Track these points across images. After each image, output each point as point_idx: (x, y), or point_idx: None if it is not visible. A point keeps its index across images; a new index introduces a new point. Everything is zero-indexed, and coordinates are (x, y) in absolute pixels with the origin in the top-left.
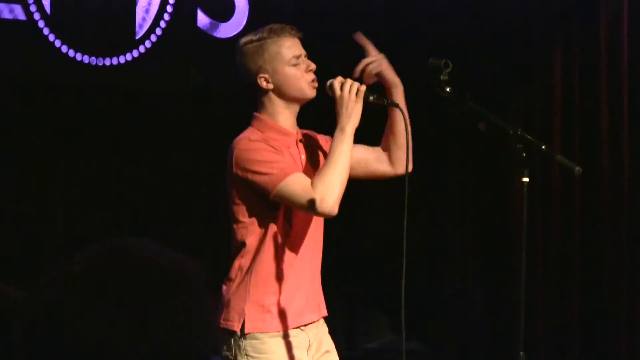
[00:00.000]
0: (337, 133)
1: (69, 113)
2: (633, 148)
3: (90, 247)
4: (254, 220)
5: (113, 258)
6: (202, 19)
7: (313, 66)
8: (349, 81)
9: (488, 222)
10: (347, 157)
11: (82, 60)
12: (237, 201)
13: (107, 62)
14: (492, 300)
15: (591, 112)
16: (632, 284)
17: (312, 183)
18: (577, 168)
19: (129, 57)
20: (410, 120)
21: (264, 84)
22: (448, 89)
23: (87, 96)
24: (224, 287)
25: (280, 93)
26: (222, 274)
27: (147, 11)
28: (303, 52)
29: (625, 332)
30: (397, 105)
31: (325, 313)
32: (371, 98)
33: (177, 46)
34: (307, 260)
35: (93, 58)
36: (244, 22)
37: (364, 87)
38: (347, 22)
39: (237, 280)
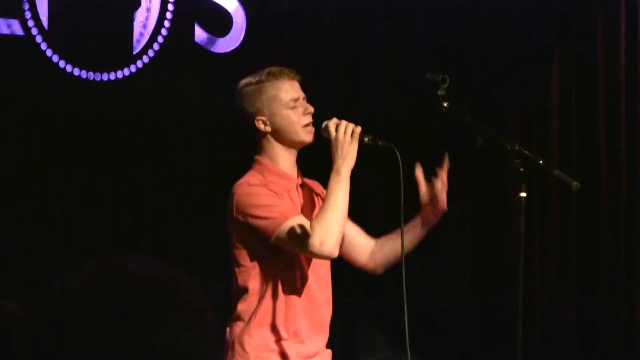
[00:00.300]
0: (332, 175)
1: (66, 128)
2: (630, 160)
3: (88, 264)
4: (255, 264)
5: (112, 275)
6: (200, 34)
7: (311, 109)
8: (343, 122)
9: (486, 237)
10: (344, 199)
11: (79, 75)
12: (239, 245)
13: (105, 77)
14: (490, 314)
15: (588, 123)
16: (629, 299)
17: (310, 226)
18: (575, 183)
19: (126, 72)
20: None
21: (261, 126)
22: (445, 104)
23: (85, 111)
24: (228, 330)
25: (278, 136)
26: (221, 289)
27: (144, 26)
28: (301, 94)
29: (624, 348)
30: (392, 147)
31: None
32: (366, 139)
33: (175, 61)
34: (313, 300)
35: (91, 73)
36: (242, 37)
37: (359, 129)
38: (347, 41)
39: (241, 325)
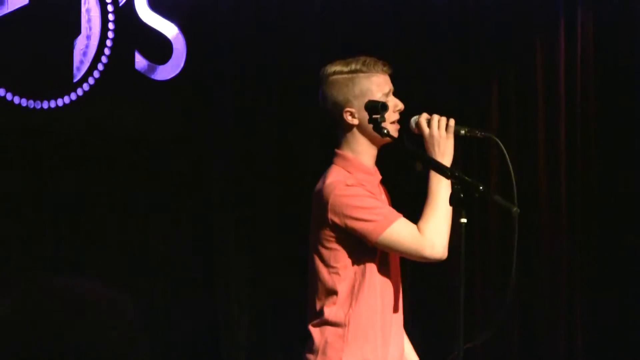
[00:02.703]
0: (432, 174)
1: (4, 156)
2: (569, 181)
3: (18, 289)
4: (347, 265)
5: (45, 298)
6: (140, 62)
7: (401, 106)
8: (435, 116)
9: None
10: (447, 198)
11: (20, 104)
12: (330, 246)
13: (45, 105)
14: (431, 338)
15: (528, 143)
16: (570, 321)
17: (418, 228)
18: (515, 208)
19: (67, 100)
20: None
21: (349, 118)
22: (386, 131)
23: (25, 139)
24: (315, 331)
25: (365, 130)
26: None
27: (84, 54)
28: (392, 88)
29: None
30: (492, 136)
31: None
32: (462, 132)
33: (115, 89)
34: (399, 302)
35: (31, 101)
36: (182, 64)
37: (452, 121)
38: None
39: (332, 330)
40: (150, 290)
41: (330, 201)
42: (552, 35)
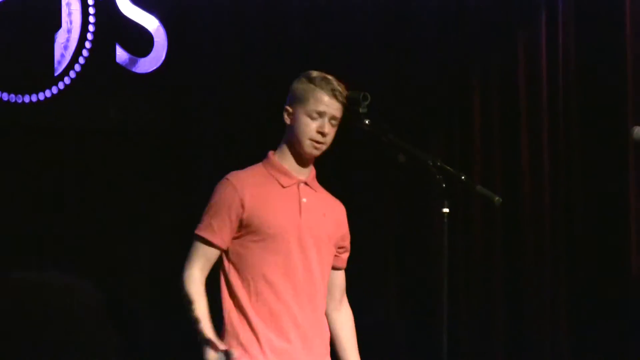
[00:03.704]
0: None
1: None
2: (553, 172)
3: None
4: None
5: (19, 294)
6: (121, 55)
7: (326, 130)
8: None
9: (410, 253)
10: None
11: (0, 98)
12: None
13: (27, 99)
14: (416, 330)
15: (510, 137)
16: (554, 315)
17: (187, 266)
18: (497, 198)
19: (48, 94)
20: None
21: (285, 115)
22: (367, 122)
23: (6, 133)
24: None
25: (290, 132)
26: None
27: (65, 47)
28: (330, 113)
29: (550, 353)
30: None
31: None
32: None
33: (97, 82)
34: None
35: (12, 95)
36: (163, 57)
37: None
38: (269, 58)
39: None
40: (135, 290)
41: None
42: (533, 30)
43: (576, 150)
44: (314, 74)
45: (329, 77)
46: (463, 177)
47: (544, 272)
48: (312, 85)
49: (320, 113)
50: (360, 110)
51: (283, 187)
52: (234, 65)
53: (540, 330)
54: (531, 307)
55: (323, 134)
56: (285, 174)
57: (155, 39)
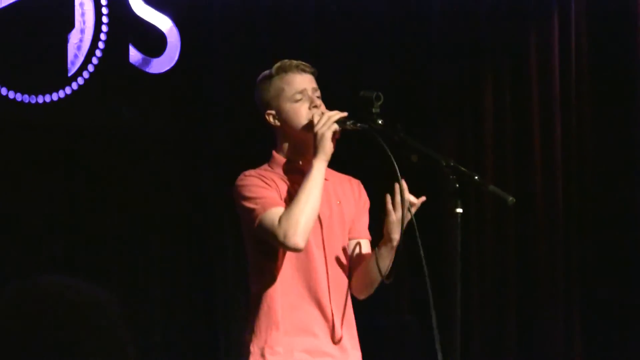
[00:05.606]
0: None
1: (1, 152)
2: (566, 172)
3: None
4: (257, 263)
5: (23, 300)
6: (134, 55)
7: (317, 102)
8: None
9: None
10: (314, 190)
11: (14, 99)
12: (245, 241)
13: (40, 99)
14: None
15: (524, 136)
16: (567, 311)
17: (280, 217)
18: (510, 198)
19: (62, 94)
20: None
21: (271, 120)
22: (380, 122)
23: (20, 134)
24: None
25: (286, 130)
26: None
27: (78, 48)
28: (310, 87)
29: (562, 354)
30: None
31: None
32: (344, 126)
33: (110, 82)
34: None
35: (26, 96)
36: (176, 57)
37: (333, 118)
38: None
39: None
40: (147, 290)
41: (233, 191)
42: (546, 28)
43: (589, 147)
44: (268, 71)
45: (284, 61)
46: (476, 177)
47: (557, 270)
48: (276, 77)
49: (301, 91)
50: (374, 110)
51: (297, 184)
52: (247, 66)
53: (554, 329)
54: (544, 306)
55: (317, 107)
56: (297, 170)
57: (168, 40)
